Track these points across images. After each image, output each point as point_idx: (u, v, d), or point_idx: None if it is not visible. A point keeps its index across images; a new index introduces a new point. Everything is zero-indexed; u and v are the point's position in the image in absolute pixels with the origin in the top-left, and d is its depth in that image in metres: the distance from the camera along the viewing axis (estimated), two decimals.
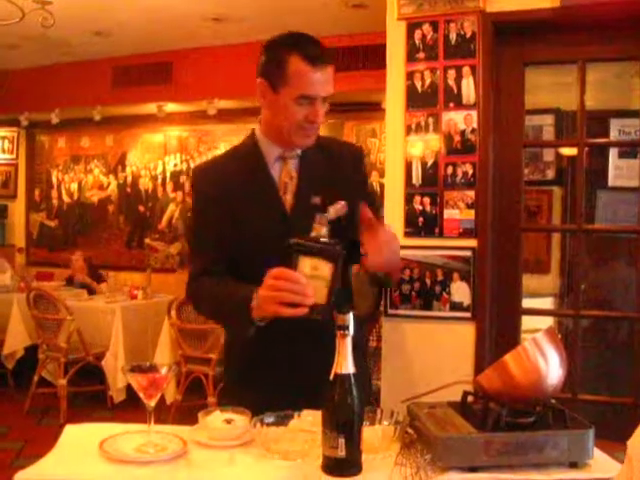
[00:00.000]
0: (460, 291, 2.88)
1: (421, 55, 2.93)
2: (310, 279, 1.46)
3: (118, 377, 4.67)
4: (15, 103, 6.51)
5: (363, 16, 4.66)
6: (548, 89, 3.99)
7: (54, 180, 7.24)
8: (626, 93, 4.30)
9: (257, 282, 1.51)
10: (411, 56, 2.94)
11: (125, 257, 6.84)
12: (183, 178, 6.59)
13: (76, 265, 5.76)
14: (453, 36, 2.90)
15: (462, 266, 2.87)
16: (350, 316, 1.29)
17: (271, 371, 1.69)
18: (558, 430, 1.34)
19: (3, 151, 7.40)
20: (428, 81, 2.92)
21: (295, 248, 1.48)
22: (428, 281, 2.92)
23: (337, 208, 1.55)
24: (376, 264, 1.57)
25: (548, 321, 3.32)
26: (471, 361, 2.86)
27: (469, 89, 2.88)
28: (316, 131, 1.70)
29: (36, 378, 4.94)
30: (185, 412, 4.43)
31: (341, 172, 1.77)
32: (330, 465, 1.26)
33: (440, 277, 2.90)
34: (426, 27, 2.94)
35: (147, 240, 6.71)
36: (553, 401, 1.44)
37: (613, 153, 4.16)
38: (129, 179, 6.88)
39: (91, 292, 5.58)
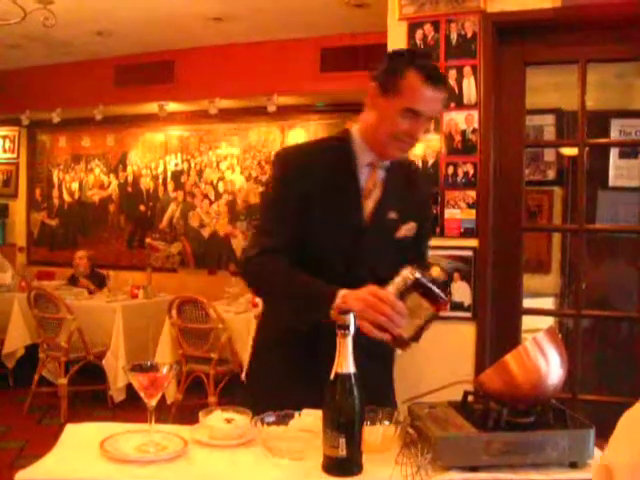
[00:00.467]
0: (461, 291, 2.89)
1: None
2: (409, 312, 1.49)
3: (119, 376, 4.66)
4: (16, 102, 6.49)
5: (364, 16, 4.65)
6: (549, 89, 3.99)
7: (55, 179, 7.24)
8: (627, 93, 4.30)
9: (315, 275, 1.60)
10: None
11: (126, 256, 6.84)
12: (184, 177, 6.60)
13: (80, 264, 5.76)
14: (454, 36, 2.90)
15: (463, 266, 2.88)
16: (351, 316, 1.29)
17: (317, 365, 1.61)
18: (558, 430, 1.34)
19: (4, 150, 7.40)
20: None
21: (414, 282, 1.50)
22: None
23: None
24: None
25: (549, 321, 3.32)
26: (472, 361, 2.86)
27: (470, 89, 2.88)
28: (411, 147, 1.74)
29: (36, 377, 4.92)
30: (186, 411, 4.42)
31: (417, 196, 1.84)
32: (331, 465, 1.26)
33: None
34: (427, 27, 2.94)
35: (148, 239, 6.70)
36: (553, 401, 1.44)
37: (614, 153, 4.16)
38: (130, 178, 6.87)
39: (91, 291, 5.58)
